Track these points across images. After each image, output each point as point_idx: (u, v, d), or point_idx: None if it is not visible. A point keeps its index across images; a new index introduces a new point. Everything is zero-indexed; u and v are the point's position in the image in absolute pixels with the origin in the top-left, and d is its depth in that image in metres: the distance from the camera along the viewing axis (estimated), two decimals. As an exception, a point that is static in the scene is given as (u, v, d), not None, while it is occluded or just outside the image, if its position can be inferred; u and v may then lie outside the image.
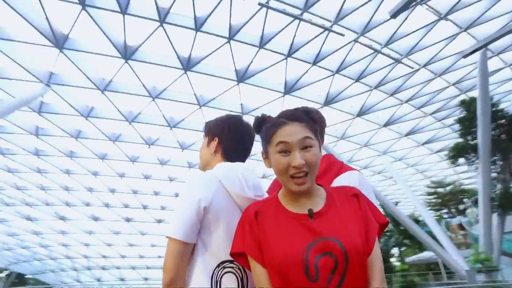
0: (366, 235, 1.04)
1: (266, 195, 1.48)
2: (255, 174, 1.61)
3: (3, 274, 45.16)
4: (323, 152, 1.53)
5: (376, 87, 14.68)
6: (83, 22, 10.50)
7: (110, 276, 35.70)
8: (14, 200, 24.73)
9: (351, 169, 1.70)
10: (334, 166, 1.68)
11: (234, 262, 1.29)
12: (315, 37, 11.67)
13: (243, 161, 1.71)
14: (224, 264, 1.32)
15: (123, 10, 10.20)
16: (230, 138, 1.70)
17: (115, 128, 17.54)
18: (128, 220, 28.54)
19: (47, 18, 10.18)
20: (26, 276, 43.25)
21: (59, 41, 11.08)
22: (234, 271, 1.30)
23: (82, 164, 20.52)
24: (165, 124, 16.71)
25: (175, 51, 12.20)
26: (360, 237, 1.02)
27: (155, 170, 22.25)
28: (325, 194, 1.13)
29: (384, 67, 13.63)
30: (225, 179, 1.46)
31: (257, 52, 12.24)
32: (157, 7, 10.38)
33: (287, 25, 11.14)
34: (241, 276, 1.31)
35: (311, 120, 1.20)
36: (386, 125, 17.46)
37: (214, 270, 1.32)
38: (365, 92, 14.86)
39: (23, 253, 33.80)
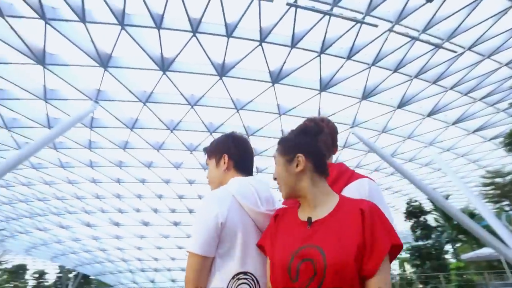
0: (367, 254, 1.00)
1: (279, 207, 1.56)
2: (268, 187, 1.67)
3: (72, 275, 49.21)
4: (338, 160, 1.57)
5: (416, 76, 14.01)
6: (123, 40, 11.21)
7: (162, 278, 37.45)
8: (75, 208, 26.89)
9: (362, 177, 1.69)
10: (344, 175, 1.68)
11: (248, 273, 1.38)
12: (347, 31, 11.42)
13: (252, 173, 1.79)
14: (239, 276, 1.39)
15: (158, 25, 10.74)
16: (238, 151, 1.79)
17: (158, 137, 18.43)
18: (176, 224, 29.75)
19: (92, 41, 11.02)
20: (90, 277, 46.68)
21: (104, 61, 11.92)
22: (248, 282, 1.38)
23: (131, 173, 21.79)
24: (205, 130, 17.23)
25: (209, 59, 12.58)
26: (351, 253, 0.99)
27: (198, 175, 22.99)
28: (336, 203, 1.14)
29: (424, 54, 12.97)
30: (239, 194, 1.53)
31: (290, 52, 12.25)
32: (189, 19, 10.78)
33: (318, 22, 11.02)
34: (254, 286, 1.39)
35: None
36: (430, 114, 16.58)
37: (230, 282, 1.40)
38: (405, 82, 14.24)
39: (85, 256, 36.61)
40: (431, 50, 12.82)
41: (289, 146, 1.31)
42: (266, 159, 20.95)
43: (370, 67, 13.12)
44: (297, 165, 1.27)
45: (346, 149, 19.12)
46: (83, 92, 14.20)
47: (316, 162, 1.29)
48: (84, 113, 14.63)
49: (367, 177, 1.70)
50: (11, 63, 12.11)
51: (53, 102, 14.66)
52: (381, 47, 12.26)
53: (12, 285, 46.96)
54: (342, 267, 0.97)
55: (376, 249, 1.01)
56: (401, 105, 15.57)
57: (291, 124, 17.46)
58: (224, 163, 1.77)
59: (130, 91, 14.24)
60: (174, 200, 26.28)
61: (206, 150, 1.95)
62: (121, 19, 10.45)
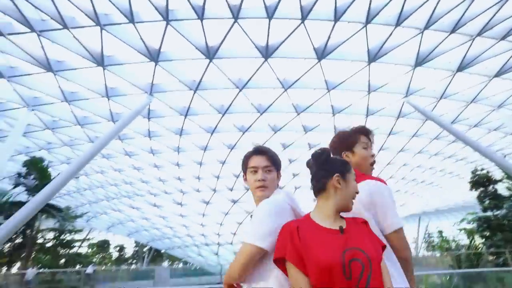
0: (378, 246, 1.41)
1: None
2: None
3: (146, 248, 54.75)
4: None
5: (479, 34, 12.68)
6: (170, 35, 11.73)
7: (225, 251, 39.94)
8: (142, 191, 29.51)
9: (368, 178, 1.76)
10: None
11: None
12: (395, -4, 10.67)
13: None
14: None
15: (200, 17, 11.03)
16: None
17: (211, 121, 19.22)
18: (234, 201, 31.21)
19: (142, 39, 11.73)
20: (161, 251, 51.48)
21: (154, 56, 12.64)
22: None
23: (189, 156, 23.18)
24: (255, 111, 17.58)
25: (253, 42, 12.65)
26: (374, 250, 1.33)
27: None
28: (344, 220, 1.42)
29: (488, 9, 11.65)
30: (292, 203, 1.76)
31: (333, 26, 11.83)
32: (229, 6, 10.89)
33: (361, -8, 10.45)
34: None
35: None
36: (498, 75, 14.99)
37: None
38: (465, 43, 12.98)
39: (155, 233, 40.29)
40: (496, 3, 11.47)
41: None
42: (317, 135, 20.86)
43: (422, 32, 12.17)
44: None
45: (401, 119, 18.20)
46: (138, 87, 15.28)
47: None
48: (142, 106, 15.81)
49: (376, 178, 1.78)
50: (76, 69, 13.40)
51: (114, 99, 16.01)
52: (434, 9, 11.26)
53: (100, 256, 53.83)
54: (379, 259, 1.31)
55: (379, 246, 1.40)
56: (461, 68, 14.28)
57: (340, 99, 17.08)
58: (278, 177, 2.02)
59: (180, 81, 14.97)
60: (231, 179, 27.49)
61: (276, 160, 2.04)
62: (166, 15, 10.92)
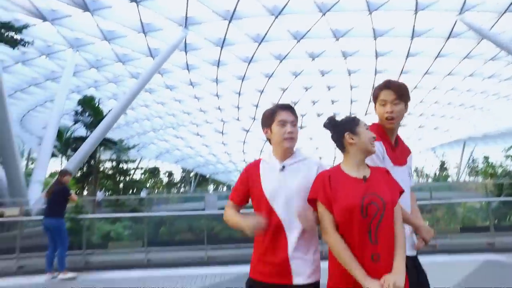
0: (396, 193, 1.61)
1: None
2: None
3: (192, 174, 59.54)
4: None
5: None
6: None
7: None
8: (186, 122, 31.06)
9: None
10: None
11: None
12: None
13: None
14: None
15: None
16: None
17: (247, 51, 18.92)
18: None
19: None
20: (206, 176, 55.73)
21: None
22: None
23: (227, 86, 23.48)
24: (292, 38, 16.88)
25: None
26: (391, 195, 1.55)
27: (288, 83, 23.37)
28: (369, 167, 1.65)
29: None
30: None
31: None
32: None
33: None
34: None
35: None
36: None
37: None
38: None
39: (200, 160, 43.30)
40: None
41: None
42: (357, 60, 19.93)
43: None
44: None
45: (452, 39, 16.60)
46: (173, 20, 15.13)
47: None
48: (178, 40, 15.85)
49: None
50: (111, 6, 13.42)
51: (150, 34, 16.11)
52: None
53: (152, 181, 59.73)
54: (393, 204, 1.53)
55: (395, 192, 1.61)
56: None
57: (383, 21, 15.78)
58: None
59: (214, 11, 14.54)
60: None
61: (296, 115, 1.94)
62: None
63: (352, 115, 1.69)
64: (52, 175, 28.70)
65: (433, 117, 30.00)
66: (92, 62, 19.06)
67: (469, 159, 56.05)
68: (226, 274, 4.50)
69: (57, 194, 5.13)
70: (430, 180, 58.05)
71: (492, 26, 14.94)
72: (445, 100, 25.88)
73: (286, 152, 1.73)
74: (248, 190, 1.77)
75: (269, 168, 1.73)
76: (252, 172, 1.78)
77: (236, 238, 6.46)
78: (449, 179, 52.76)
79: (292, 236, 1.62)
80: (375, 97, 1.86)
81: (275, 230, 1.64)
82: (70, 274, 4.74)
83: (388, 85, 1.81)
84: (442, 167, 58.19)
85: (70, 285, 4.41)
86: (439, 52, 17.97)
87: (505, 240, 6.14)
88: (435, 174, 59.61)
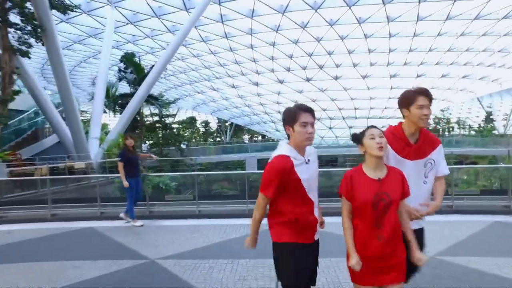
0: (404, 195, 2.00)
1: None
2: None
3: (227, 124, 61.13)
4: None
5: None
6: None
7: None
8: (221, 74, 31.30)
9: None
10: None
11: None
12: None
13: None
14: None
15: None
16: None
17: (281, 1, 18.26)
18: (308, 79, 31.45)
19: None
20: (242, 126, 57.00)
21: None
22: None
23: (261, 38, 23.14)
24: None
25: None
26: (400, 194, 1.96)
27: (323, 31, 22.49)
28: (387, 169, 2.03)
29: None
30: None
31: None
32: None
33: None
34: None
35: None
36: None
37: None
38: None
39: (235, 111, 44.04)
40: None
41: None
42: (399, 6, 18.56)
43: None
44: None
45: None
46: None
47: None
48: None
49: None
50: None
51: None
52: None
53: (189, 131, 62.18)
54: (397, 203, 1.94)
55: (406, 192, 2.01)
56: None
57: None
58: None
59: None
60: (304, 59, 27.22)
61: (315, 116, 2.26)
62: None
63: (366, 128, 2.05)
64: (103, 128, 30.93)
65: (480, 66, 27.81)
66: (129, 17, 19.39)
67: (520, 110, 52.13)
68: (264, 224, 5.20)
69: (119, 157, 5.93)
70: (472, 132, 55.16)
71: None
72: (495, 47, 23.75)
73: (305, 148, 2.11)
74: (283, 182, 2.04)
75: (299, 165, 2.07)
76: (287, 168, 2.03)
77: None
78: (495, 132, 49.86)
79: (317, 208, 2.18)
80: (411, 101, 2.15)
81: (310, 208, 2.14)
82: (138, 222, 5.66)
83: (426, 92, 2.15)
84: (488, 118, 54.70)
85: (138, 231, 5.35)
86: (448, 14, 16.20)
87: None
88: (479, 126, 56.38)
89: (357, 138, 2.05)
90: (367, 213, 1.93)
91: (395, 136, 2.19)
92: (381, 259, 1.94)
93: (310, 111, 2.07)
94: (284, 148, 2.09)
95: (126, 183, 5.58)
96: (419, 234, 2.24)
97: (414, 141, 2.19)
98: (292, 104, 2.21)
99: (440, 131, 53.24)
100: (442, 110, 53.26)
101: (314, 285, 2.23)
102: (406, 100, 2.18)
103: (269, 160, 2.10)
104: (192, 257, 3.92)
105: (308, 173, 2.08)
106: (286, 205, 2.09)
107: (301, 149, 2.09)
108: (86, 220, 6.06)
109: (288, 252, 2.09)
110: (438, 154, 2.25)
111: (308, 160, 2.11)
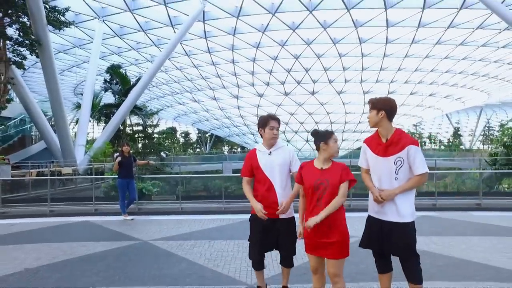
0: (341, 180, 2.45)
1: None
2: None
3: (207, 135, 61.83)
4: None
5: None
6: None
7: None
8: (203, 86, 32.29)
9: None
10: None
11: None
12: None
13: None
14: None
15: None
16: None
17: (263, 20, 19.63)
18: (286, 94, 32.90)
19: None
20: (221, 138, 57.94)
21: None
22: None
23: (243, 54, 24.38)
24: (304, 9, 17.37)
25: None
26: (336, 180, 2.43)
27: (301, 50, 23.97)
28: (331, 163, 2.57)
29: None
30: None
31: None
32: None
33: None
34: None
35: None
36: None
37: None
38: None
39: (216, 123, 45.00)
40: None
41: None
42: (370, 30, 20.31)
43: None
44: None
45: (464, 10, 16.81)
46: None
47: None
48: (197, 12, 16.77)
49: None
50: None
51: (171, 5, 17.04)
52: None
53: (169, 141, 62.44)
54: (336, 185, 2.40)
55: (344, 179, 2.45)
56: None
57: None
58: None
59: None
60: (282, 74, 28.68)
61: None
62: None
63: (329, 131, 2.67)
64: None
65: (444, 85, 30.19)
66: (116, 30, 20.20)
67: (484, 126, 55.74)
68: (237, 218, 6.18)
69: (117, 155, 6.83)
70: (442, 147, 58.24)
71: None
72: (457, 68, 26.05)
73: (271, 144, 2.93)
74: (252, 166, 2.87)
75: (262, 153, 2.90)
76: (252, 156, 2.91)
77: (244, 195, 8.14)
78: (462, 147, 53.01)
79: (278, 188, 2.83)
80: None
81: (268, 187, 2.82)
82: (129, 217, 6.51)
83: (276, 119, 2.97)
84: (456, 134, 58.07)
85: (129, 223, 6.22)
86: (451, 23, 18.24)
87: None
88: (449, 140, 59.71)
89: (322, 136, 2.54)
90: (311, 193, 2.48)
91: (371, 138, 2.67)
92: (319, 234, 2.39)
93: (277, 119, 2.94)
94: (258, 145, 3.02)
95: (116, 167, 6.50)
96: (399, 228, 2.44)
97: (385, 140, 2.54)
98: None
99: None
100: (415, 125, 56.21)
101: (287, 266, 2.84)
102: None
103: None
104: (177, 239, 4.84)
105: (266, 160, 2.84)
106: (255, 185, 2.89)
107: (269, 145, 2.90)
108: (82, 215, 6.84)
109: (252, 219, 2.90)
110: (408, 154, 2.45)
111: (270, 152, 2.88)
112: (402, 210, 2.45)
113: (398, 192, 2.45)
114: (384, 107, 2.53)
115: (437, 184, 8.81)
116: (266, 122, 2.89)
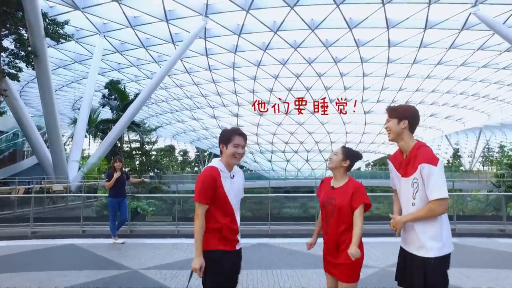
0: (353, 203, 2.27)
1: None
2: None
3: (206, 153, 61.37)
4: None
5: None
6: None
7: (277, 158, 43.43)
8: (202, 104, 32.08)
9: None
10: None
11: None
12: None
13: None
14: None
15: None
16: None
17: (264, 38, 19.56)
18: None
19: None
20: (220, 156, 57.56)
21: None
22: None
23: (243, 72, 24.26)
24: (306, 27, 17.32)
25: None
26: (346, 201, 2.27)
27: (302, 69, 23.90)
28: (346, 181, 2.40)
29: None
30: None
31: None
32: None
33: None
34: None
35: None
36: None
37: None
38: None
39: (215, 141, 44.58)
40: None
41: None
42: (371, 49, 20.28)
43: None
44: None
45: (465, 31, 16.79)
46: (193, 9, 15.91)
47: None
48: (199, 29, 16.66)
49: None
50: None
51: (172, 22, 16.94)
52: None
53: (167, 160, 61.89)
54: (345, 206, 2.26)
55: (357, 201, 2.27)
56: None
57: (396, 11, 16.08)
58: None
59: (233, 2, 15.20)
60: (283, 93, 28.54)
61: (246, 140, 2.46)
62: None
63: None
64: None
65: (445, 106, 30.12)
66: (117, 46, 20.07)
67: (484, 148, 55.60)
68: (241, 243, 5.61)
69: (106, 176, 6.30)
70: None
71: (506, 20, 15.13)
72: (458, 89, 26.00)
73: (232, 165, 2.34)
74: (215, 191, 2.20)
75: (225, 177, 2.26)
76: (216, 177, 2.22)
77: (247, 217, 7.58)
78: (462, 168, 52.64)
79: (238, 218, 2.31)
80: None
81: (232, 218, 2.27)
82: (120, 240, 5.93)
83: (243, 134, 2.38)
84: (456, 155, 57.89)
85: (120, 247, 5.62)
86: (452, 43, 18.21)
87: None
88: (448, 161, 59.40)
89: (356, 156, 2.47)
90: (322, 211, 2.42)
91: (394, 156, 2.29)
92: (328, 253, 2.36)
93: (243, 135, 2.33)
94: (214, 162, 2.32)
95: (111, 184, 5.92)
96: (419, 262, 2.03)
97: (405, 156, 2.15)
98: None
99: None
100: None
101: None
102: None
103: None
104: (172, 268, 4.28)
105: (231, 187, 2.27)
106: (213, 214, 2.20)
107: (230, 166, 2.30)
108: (68, 238, 6.25)
109: (212, 259, 2.16)
110: (422, 175, 2.01)
111: (233, 176, 2.32)
112: (424, 241, 2.02)
113: (406, 220, 2.07)
114: (407, 116, 2.12)
115: (456, 207, 8.24)
116: (230, 137, 2.29)
